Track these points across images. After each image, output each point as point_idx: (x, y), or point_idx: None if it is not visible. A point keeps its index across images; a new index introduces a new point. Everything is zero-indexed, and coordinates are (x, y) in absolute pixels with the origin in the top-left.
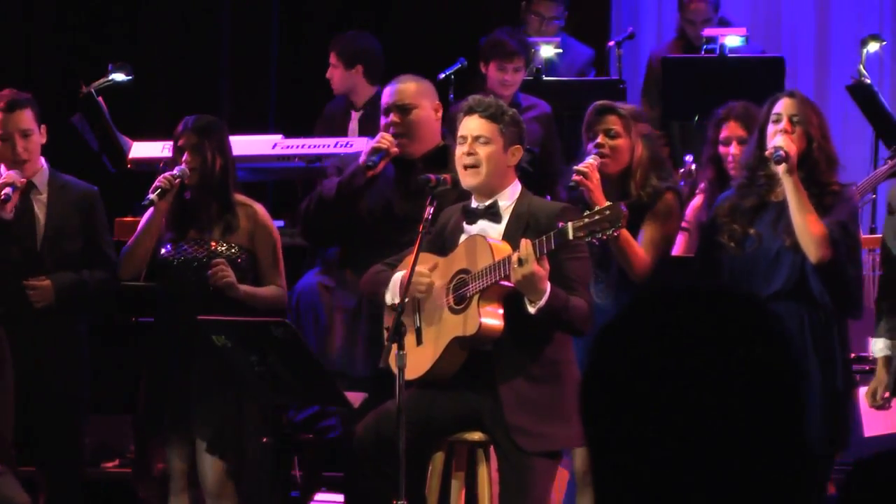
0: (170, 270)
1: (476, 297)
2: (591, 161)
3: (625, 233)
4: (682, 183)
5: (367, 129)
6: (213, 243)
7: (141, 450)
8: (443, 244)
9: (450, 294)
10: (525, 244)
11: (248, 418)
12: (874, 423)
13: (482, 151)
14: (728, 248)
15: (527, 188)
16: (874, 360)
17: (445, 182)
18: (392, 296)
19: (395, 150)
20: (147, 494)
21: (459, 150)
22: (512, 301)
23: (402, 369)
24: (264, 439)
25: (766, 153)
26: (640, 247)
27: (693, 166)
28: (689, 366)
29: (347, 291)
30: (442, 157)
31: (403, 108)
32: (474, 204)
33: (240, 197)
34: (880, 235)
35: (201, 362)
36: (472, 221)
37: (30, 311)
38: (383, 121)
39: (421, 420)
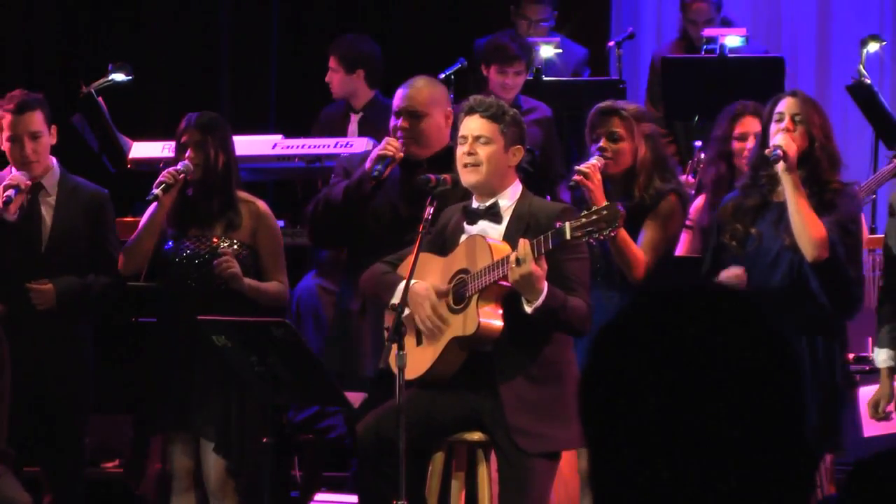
0: (172, 267)
1: (475, 297)
2: (593, 162)
3: (623, 233)
4: (692, 175)
5: (367, 131)
6: (216, 239)
7: (137, 448)
8: (443, 244)
9: (449, 294)
10: (523, 244)
11: (249, 417)
12: (874, 423)
13: (482, 151)
14: (730, 248)
15: (527, 189)
16: (874, 361)
17: (445, 182)
18: (396, 301)
19: (400, 155)
20: (143, 491)
21: (460, 150)
22: (512, 301)
23: (402, 369)
24: (264, 439)
25: (766, 152)
26: (638, 248)
27: (702, 154)
28: (688, 366)
29: (353, 293)
30: (448, 159)
31: (414, 115)
32: (475, 204)
33: (242, 194)
34: (881, 236)
35: (204, 359)
36: (472, 222)
37: (33, 313)
38: (393, 122)
39: (421, 420)
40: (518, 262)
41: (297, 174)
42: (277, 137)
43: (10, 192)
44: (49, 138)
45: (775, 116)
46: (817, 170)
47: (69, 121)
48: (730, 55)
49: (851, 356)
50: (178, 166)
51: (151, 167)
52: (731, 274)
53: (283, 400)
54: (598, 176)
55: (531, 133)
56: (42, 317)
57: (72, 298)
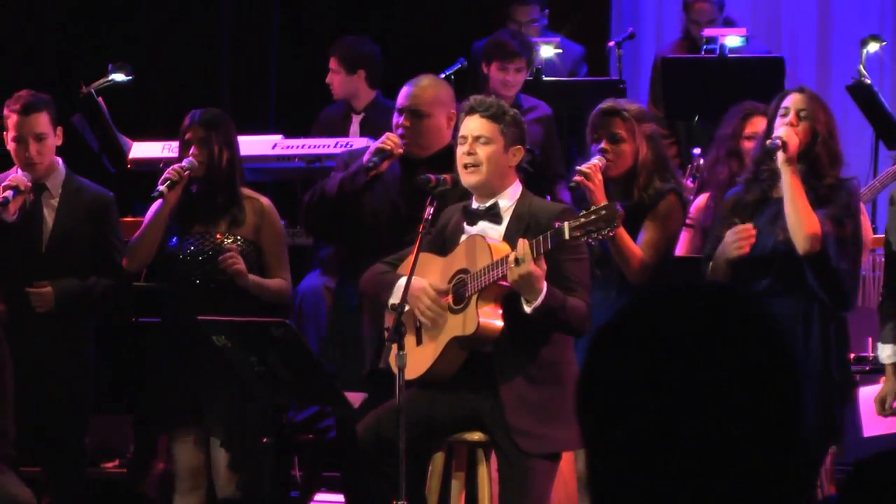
0: (176, 264)
1: (475, 297)
2: (594, 162)
3: (622, 233)
4: (691, 180)
5: (368, 132)
6: (219, 236)
7: (141, 447)
8: (443, 244)
9: (449, 294)
10: (522, 244)
11: (251, 415)
12: (874, 423)
13: (482, 151)
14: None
15: (527, 189)
16: (874, 360)
17: (445, 182)
18: (395, 300)
19: (399, 151)
20: (147, 491)
21: (460, 150)
22: (512, 301)
23: (402, 369)
24: (265, 439)
25: (766, 142)
26: (637, 247)
27: (701, 160)
28: (685, 365)
29: (351, 290)
30: (448, 159)
31: (416, 114)
32: (475, 205)
33: (246, 191)
34: (881, 236)
35: (209, 356)
36: (472, 222)
37: (34, 313)
38: (395, 119)
39: (421, 420)
40: (517, 261)
41: (296, 174)
42: (277, 137)
43: (9, 193)
44: (54, 140)
45: (781, 111)
46: (816, 165)
47: (69, 121)
48: (730, 55)
49: (852, 356)
50: (183, 163)
51: (151, 167)
52: (739, 231)
53: (283, 400)
54: (599, 176)
55: (532, 132)
56: (42, 317)
57: (71, 301)
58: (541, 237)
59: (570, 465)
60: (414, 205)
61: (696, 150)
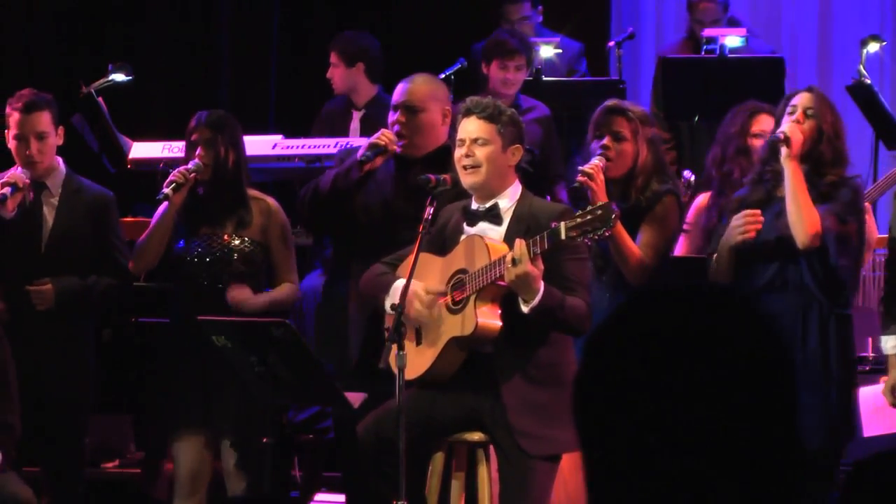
0: (183, 265)
1: (473, 297)
2: (596, 162)
3: (621, 232)
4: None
5: (369, 128)
6: (226, 237)
7: (152, 450)
8: (443, 244)
9: (448, 294)
10: (519, 244)
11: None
12: (874, 423)
13: (480, 153)
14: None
15: (527, 189)
16: (874, 361)
17: (445, 182)
18: (391, 300)
19: (394, 147)
20: (157, 494)
21: (458, 153)
22: (511, 301)
23: (402, 369)
24: (264, 439)
25: (770, 137)
26: (636, 247)
27: (692, 177)
28: (681, 365)
29: (340, 285)
30: (443, 159)
31: (411, 109)
32: (475, 205)
33: (252, 192)
34: (883, 236)
35: (217, 357)
36: (472, 223)
37: (33, 312)
38: (390, 116)
39: (421, 420)
40: (514, 261)
41: (297, 174)
42: (277, 137)
43: (7, 189)
44: (55, 139)
45: (788, 109)
46: (820, 163)
47: (69, 121)
48: (730, 55)
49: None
50: (189, 165)
51: (151, 167)
52: (746, 214)
53: (283, 400)
54: (602, 176)
55: (531, 132)
56: (42, 317)
57: (71, 299)
58: (537, 237)
59: (570, 465)
60: (407, 203)
61: (686, 173)
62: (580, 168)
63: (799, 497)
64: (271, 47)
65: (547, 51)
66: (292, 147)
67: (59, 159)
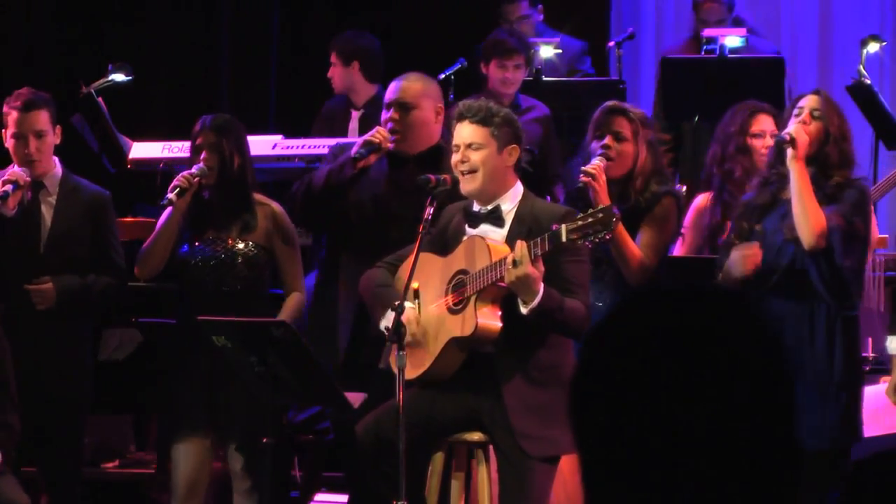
0: (187, 269)
1: (473, 298)
2: (597, 163)
3: (622, 234)
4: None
5: (368, 128)
6: (231, 241)
7: (163, 458)
8: (444, 245)
9: (449, 294)
10: (520, 245)
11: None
12: (874, 423)
13: (475, 157)
14: (734, 246)
15: (527, 189)
16: (874, 361)
17: (445, 182)
18: (386, 322)
19: (387, 145)
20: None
21: (454, 158)
22: (511, 303)
23: (402, 369)
24: (264, 439)
25: (776, 138)
26: (637, 248)
27: (684, 188)
28: (678, 365)
29: (330, 283)
30: (435, 158)
31: (404, 107)
32: (476, 207)
33: (258, 196)
34: (884, 236)
35: (223, 360)
36: (474, 225)
37: (32, 312)
38: (384, 114)
39: (421, 420)
40: (515, 263)
41: (297, 174)
42: (277, 137)
43: (8, 187)
44: (53, 138)
45: (795, 111)
46: (826, 165)
47: (69, 121)
48: (730, 55)
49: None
50: (193, 169)
51: (151, 167)
52: (746, 249)
53: (283, 400)
54: (604, 177)
55: (531, 131)
56: (41, 316)
57: (71, 298)
58: (538, 239)
59: (570, 466)
60: (399, 202)
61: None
62: (583, 168)
63: (796, 498)
64: (271, 47)
65: (547, 51)
66: (292, 147)
67: (56, 158)
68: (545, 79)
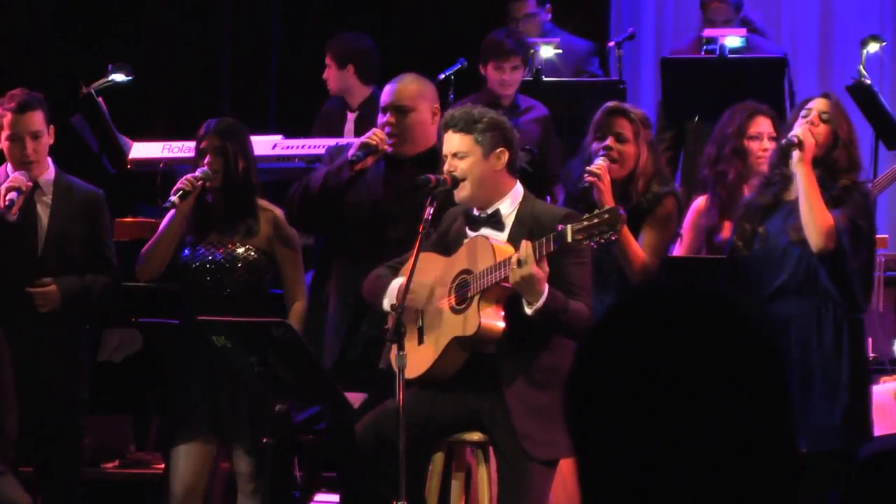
0: (188, 272)
1: (477, 298)
2: (601, 163)
3: (626, 234)
4: None
5: (363, 129)
6: (231, 245)
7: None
8: (446, 248)
9: (452, 294)
10: (525, 245)
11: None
12: (874, 423)
13: (462, 165)
14: (737, 250)
15: (527, 190)
16: (875, 361)
17: (445, 182)
18: (389, 300)
19: (385, 147)
20: None
21: (445, 168)
22: (514, 303)
23: (402, 369)
24: (264, 439)
25: (782, 141)
26: (640, 249)
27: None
28: (673, 366)
29: (324, 284)
30: (433, 159)
31: (401, 110)
32: (476, 211)
33: (261, 201)
34: (884, 236)
35: (225, 361)
36: (474, 229)
37: (31, 312)
38: (380, 118)
39: (421, 420)
40: (519, 263)
41: (297, 174)
42: (277, 137)
43: (13, 194)
44: (48, 138)
45: (803, 112)
46: (834, 168)
47: (69, 121)
48: (730, 55)
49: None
50: (197, 173)
51: (151, 167)
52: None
53: (284, 400)
54: (608, 177)
55: (531, 132)
56: (39, 316)
57: (75, 299)
58: (543, 239)
59: (570, 466)
60: (395, 203)
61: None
62: (588, 168)
63: (796, 499)
64: (271, 47)
65: (547, 51)
66: (292, 147)
67: (48, 158)
68: (545, 79)
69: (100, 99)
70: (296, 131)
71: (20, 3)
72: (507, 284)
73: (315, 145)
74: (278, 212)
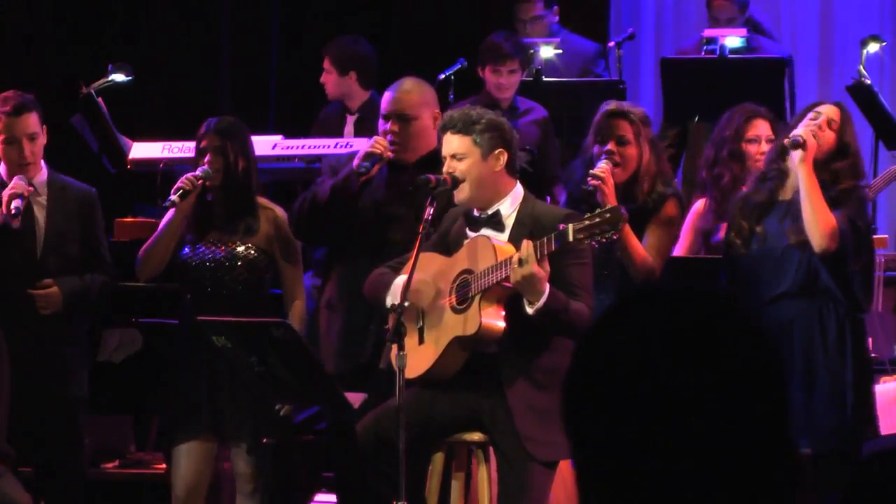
0: (188, 271)
1: (478, 298)
2: (604, 165)
3: (629, 234)
4: None
5: (363, 132)
6: (232, 244)
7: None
8: (447, 249)
9: (453, 294)
10: (526, 244)
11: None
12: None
13: (460, 167)
14: (735, 247)
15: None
16: (875, 361)
17: (445, 182)
18: (392, 298)
19: (388, 154)
20: None
21: (444, 170)
22: (515, 303)
23: (402, 369)
24: (264, 440)
25: (785, 141)
26: (643, 249)
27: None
28: (671, 366)
29: (333, 285)
30: (435, 162)
31: (403, 118)
32: (476, 212)
33: (262, 200)
34: (884, 236)
35: (225, 361)
36: (475, 230)
37: (31, 313)
38: (381, 126)
39: (421, 420)
40: (520, 262)
41: (296, 174)
42: (277, 138)
43: (18, 201)
44: (43, 139)
45: (811, 114)
46: (838, 175)
47: (69, 121)
48: (730, 55)
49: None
50: (197, 172)
51: (151, 167)
52: None
53: (284, 400)
54: (612, 180)
55: (530, 133)
56: (39, 317)
57: (76, 300)
58: (545, 238)
59: (570, 465)
60: (398, 207)
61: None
62: (591, 172)
63: (795, 499)
64: (271, 48)
65: (547, 51)
66: (292, 147)
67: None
68: (545, 79)
69: (100, 99)
70: (296, 131)
71: (20, 2)
72: (508, 284)
73: (315, 146)
74: (278, 210)
